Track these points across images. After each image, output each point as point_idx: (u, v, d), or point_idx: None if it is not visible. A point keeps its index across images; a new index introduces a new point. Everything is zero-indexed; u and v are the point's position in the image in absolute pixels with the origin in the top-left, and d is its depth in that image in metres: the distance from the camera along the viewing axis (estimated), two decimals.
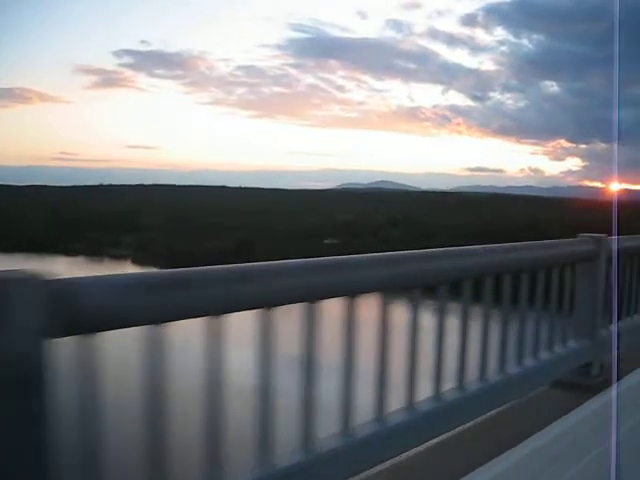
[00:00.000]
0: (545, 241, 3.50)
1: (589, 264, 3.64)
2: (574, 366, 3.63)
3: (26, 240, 40.61)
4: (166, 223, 45.36)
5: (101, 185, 66.86)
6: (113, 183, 70.28)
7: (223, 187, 72.65)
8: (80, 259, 39.66)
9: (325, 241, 41.28)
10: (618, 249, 3.87)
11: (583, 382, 3.63)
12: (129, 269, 36.22)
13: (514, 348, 3.10)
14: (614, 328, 3.95)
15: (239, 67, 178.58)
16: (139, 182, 72.16)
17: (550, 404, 3.44)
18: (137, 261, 39.80)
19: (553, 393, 3.58)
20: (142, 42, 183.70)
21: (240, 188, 73.07)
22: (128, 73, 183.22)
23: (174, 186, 70.63)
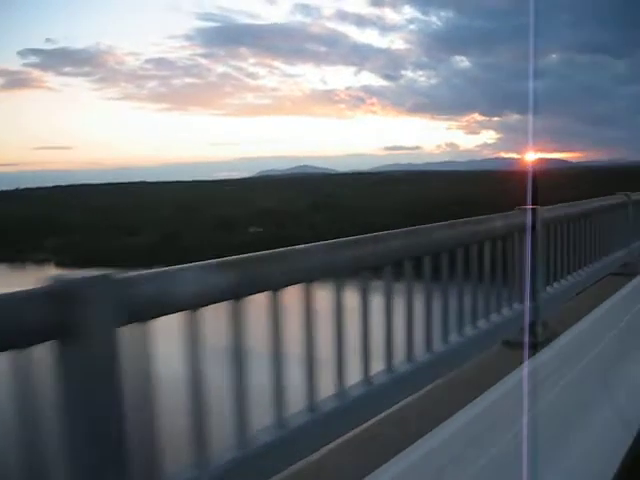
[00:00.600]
0: (486, 216, 3.79)
1: (527, 233, 4.02)
2: (520, 326, 3.97)
3: None
4: (87, 223, 44.52)
5: (17, 189, 65.28)
6: (29, 186, 68.12)
7: (142, 182, 71.79)
8: (2, 266, 38.58)
9: (250, 229, 41.50)
10: (551, 218, 4.41)
11: (529, 340, 3.96)
12: (52, 272, 34.24)
13: (468, 314, 3.44)
14: (552, 289, 4.54)
15: (148, 60, 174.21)
16: (55, 184, 70.74)
17: (502, 362, 3.76)
18: (60, 264, 38.52)
19: (504, 352, 3.94)
20: (47, 40, 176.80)
21: (159, 183, 72.42)
22: (35, 73, 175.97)
23: (92, 185, 69.72)
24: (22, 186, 67.46)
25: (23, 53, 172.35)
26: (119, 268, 2.02)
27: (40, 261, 39.54)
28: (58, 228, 44.13)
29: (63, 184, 69.81)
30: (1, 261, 39.20)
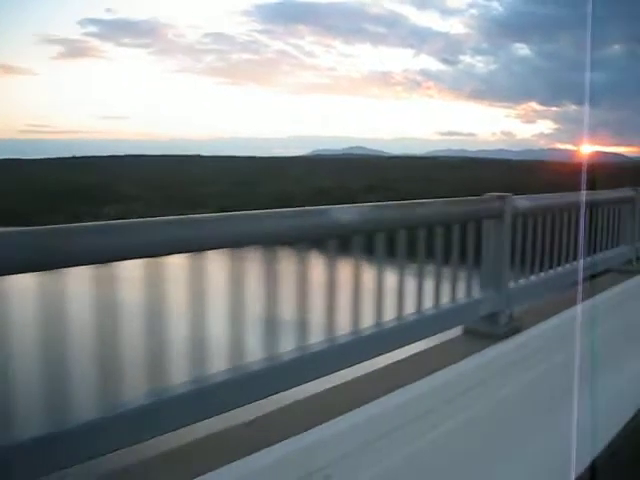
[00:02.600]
0: (455, 198, 3.75)
1: (495, 220, 3.89)
2: (482, 314, 3.87)
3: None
4: (146, 193, 44.86)
5: (74, 157, 65.54)
6: (86, 154, 68.35)
7: (197, 156, 71.56)
8: None
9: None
10: (522, 207, 4.18)
11: (491, 330, 3.89)
12: None
13: (429, 295, 3.38)
14: (522, 281, 4.35)
15: (207, 34, 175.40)
16: (112, 153, 70.72)
17: (460, 349, 3.71)
18: None
19: (464, 339, 3.88)
20: (107, 10, 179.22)
21: (215, 157, 71.99)
22: (95, 42, 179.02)
23: (148, 156, 69.39)
24: (79, 154, 67.91)
25: (83, 23, 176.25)
26: None
27: None
28: (115, 196, 44.53)
29: (119, 154, 70.30)
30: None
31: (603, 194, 5.77)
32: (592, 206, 5.39)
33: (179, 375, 2.24)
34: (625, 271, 6.18)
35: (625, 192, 6.25)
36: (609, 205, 5.86)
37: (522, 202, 4.21)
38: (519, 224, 4.18)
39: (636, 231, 6.39)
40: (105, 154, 69.22)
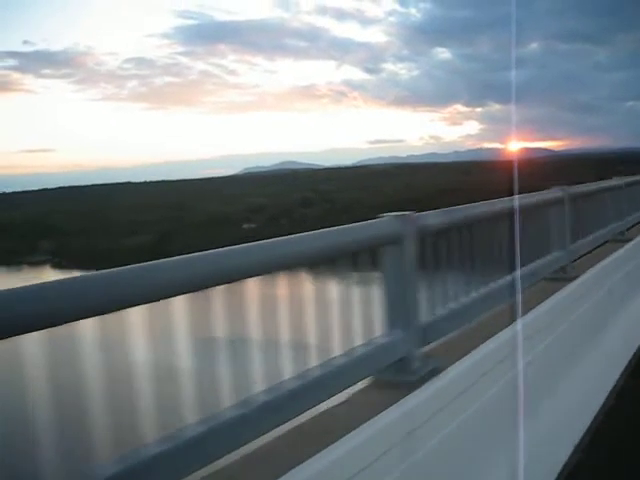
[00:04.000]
0: (345, 225, 3.03)
1: (395, 247, 3.18)
2: (390, 361, 3.15)
3: None
4: (80, 225, 44.14)
5: (3, 193, 64.43)
6: (15, 190, 67.34)
7: (128, 183, 70.77)
8: None
9: (243, 226, 41.00)
10: (433, 224, 3.48)
11: (403, 378, 3.16)
12: (49, 275, 35.84)
13: (318, 346, 2.81)
14: (440, 311, 3.57)
15: (127, 60, 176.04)
16: (42, 187, 69.39)
17: (368, 404, 2.97)
18: (57, 266, 38.76)
19: (371, 393, 3.13)
20: (25, 42, 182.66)
21: (146, 182, 71.64)
22: (15, 76, 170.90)
23: (79, 187, 68.32)
24: (8, 190, 66.65)
25: (1, 56, 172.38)
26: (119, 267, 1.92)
27: (36, 263, 39.60)
28: (50, 231, 43.94)
29: (50, 187, 68.71)
30: None
31: (528, 197, 5.04)
32: (519, 212, 4.52)
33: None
34: (559, 279, 5.56)
35: (553, 193, 5.65)
36: (537, 208, 5.29)
37: (431, 219, 3.53)
38: (429, 244, 3.47)
39: (568, 234, 5.77)
40: (34, 188, 67.86)
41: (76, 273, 2.03)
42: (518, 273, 4.47)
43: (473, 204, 4.23)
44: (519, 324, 4.12)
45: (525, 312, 4.39)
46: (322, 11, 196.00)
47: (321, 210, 41.36)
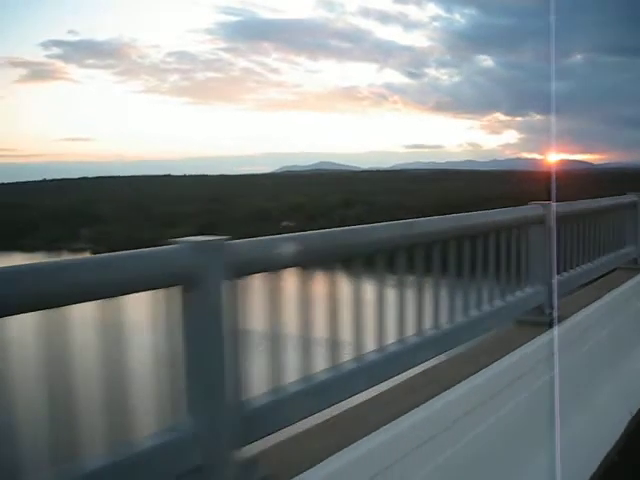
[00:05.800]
0: (503, 209, 4.39)
1: (539, 226, 4.60)
2: (532, 306, 4.56)
3: None
4: (121, 214, 44.60)
5: (44, 180, 64.55)
6: (55, 177, 66.93)
7: (168, 176, 70.42)
8: (38, 255, 38.38)
9: (282, 224, 41.17)
10: (563, 213, 4.88)
11: (539, 320, 4.52)
12: None
13: (486, 294, 3.94)
14: (564, 276, 5.09)
15: (170, 53, 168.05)
16: (81, 175, 69.39)
17: (515, 337, 4.29)
18: (96, 254, 32.46)
19: (516, 329, 4.52)
20: (70, 32, 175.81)
21: (185, 176, 71.38)
22: (58, 64, 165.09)
23: (119, 177, 68.43)
24: (48, 177, 66.29)
25: (45, 44, 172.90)
26: None
27: (76, 250, 39.94)
28: (91, 219, 44.33)
29: (89, 176, 68.58)
30: (38, 251, 39.18)
31: (616, 199, 6.82)
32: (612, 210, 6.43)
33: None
34: (632, 269, 7.05)
35: (629, 198, 7.07)
36: (615, 209, 6.72)
37: (563, 207, 4.95)
38: (566, 227, 5.17)
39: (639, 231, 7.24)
40: (75, 176, 67.85)
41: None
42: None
43: (597, 199, 6.17)
44: (622, 288, 6.21)
45: (620, 284, 6.28)
46: (366, 13, 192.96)
47: (361, 211, 41.51)
